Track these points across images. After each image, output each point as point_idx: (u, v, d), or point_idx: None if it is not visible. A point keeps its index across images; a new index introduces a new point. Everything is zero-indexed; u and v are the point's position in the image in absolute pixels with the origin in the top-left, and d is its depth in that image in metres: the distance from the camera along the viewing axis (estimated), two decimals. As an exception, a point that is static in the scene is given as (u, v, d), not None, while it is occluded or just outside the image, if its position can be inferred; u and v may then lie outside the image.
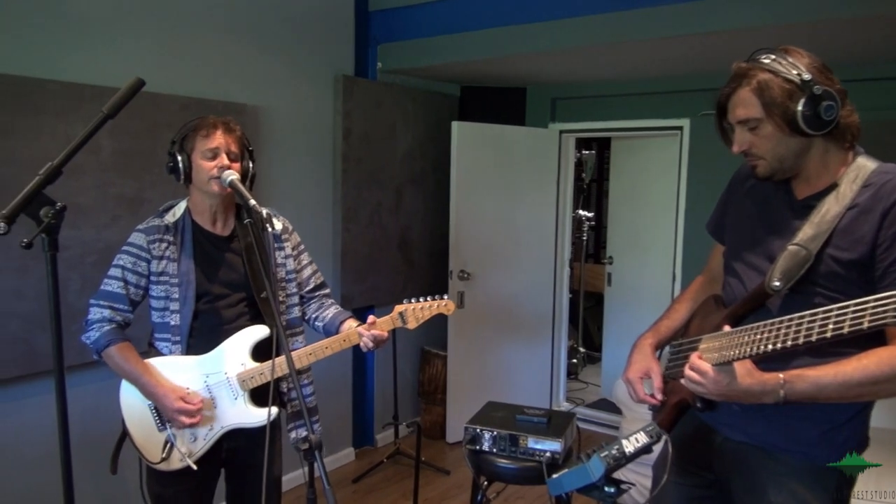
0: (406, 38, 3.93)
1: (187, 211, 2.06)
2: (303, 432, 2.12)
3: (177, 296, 1.99)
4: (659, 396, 1.68)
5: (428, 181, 4.43)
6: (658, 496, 1.63)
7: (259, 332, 2.03)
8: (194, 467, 1.98)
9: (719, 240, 1.80)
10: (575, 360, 5.80)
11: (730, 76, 1.49)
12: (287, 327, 2.14)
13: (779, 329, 1.36)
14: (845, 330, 1.24)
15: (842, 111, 1.41)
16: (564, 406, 4.99)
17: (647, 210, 5.01)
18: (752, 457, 1.56)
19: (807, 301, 1.43)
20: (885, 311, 1.19)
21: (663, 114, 4.23)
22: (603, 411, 4.87)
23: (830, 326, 1.27)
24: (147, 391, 1.96)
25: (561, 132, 4.68)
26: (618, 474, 1.46)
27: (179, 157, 1.97)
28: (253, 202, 1.78)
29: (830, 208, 1.43)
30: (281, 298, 2.12)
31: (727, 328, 1.50)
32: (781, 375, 1.38)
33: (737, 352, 1.43)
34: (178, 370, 2.00)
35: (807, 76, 1.39)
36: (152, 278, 2.00)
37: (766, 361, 1.41)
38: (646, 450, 1.43)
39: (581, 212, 5.97)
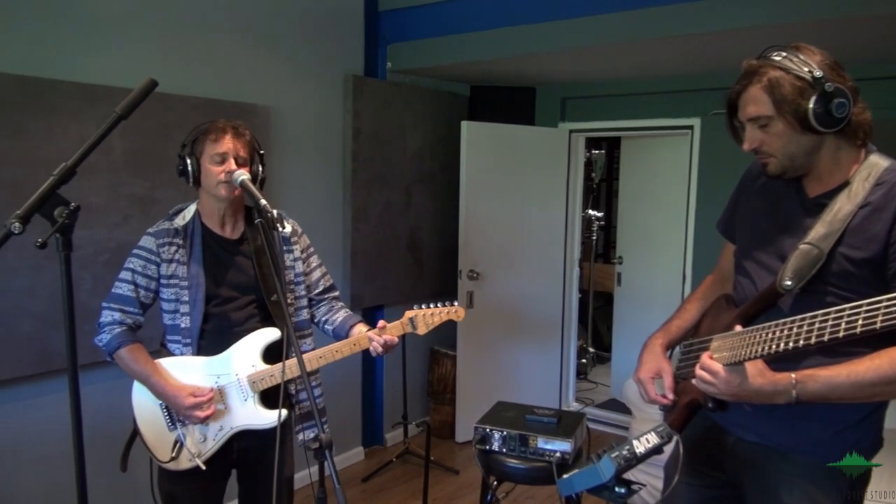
0: (416, 37, 3.94)
1: (197, 214, 2.07)
2: (310, 433, 2.14)
3: (186, 298, 2.01)
4: (670, 396, 1.67)
5: (437, 181, 4.43)
6: (670, 497, 1.62)
7: (270, 334, 2.04)
8: (203, 467, 2.00)
9: (730, 238, 1.79)
10: (584, 360, 5.79)
11: (740, 73, 1.48)
12: (296, 329, 2.14)
13: (790, 329, 1.35)
14: (857, 330, 1.24)
15: (854, 108, 1.40)
16: (574, 406, 4.98)
17: (657, 210, 4.99)
18: (765, 457, 1.55)
19: (819, 300, 1.42)
20: None
21: (674, 113, 4.21)
22: (613, 411, 4.86)
23: (843, 326, 1.26)
24: (157, 392, 1.97)
25: (571, 132, 4.67)
26: (628, 475, 1.45)
27: (189, 161, 1.99)
28: (264, 202, 1.79)
29: (843, 207, 1.42)
30: (290, 301, 2.12)
31: (738, 328, 1.49)
32: (793, 375, 1.37)
33: (748, 352, 1.42)
34: (188, 371, 2.01)
35: (818, 73, 1.38)
36: (162, 281, 2.01)
37: (777, 361, 1.40)
38: (656, 450, 1.43)
39: (591, 211, 5.95)
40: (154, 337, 2.10)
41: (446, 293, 4.28)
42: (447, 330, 4.25)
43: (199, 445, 2.02)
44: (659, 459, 1.57)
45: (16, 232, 1.20)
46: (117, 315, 2.00)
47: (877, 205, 1.39)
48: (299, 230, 2.20)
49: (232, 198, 2.00)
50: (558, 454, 2.21)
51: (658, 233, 4.95)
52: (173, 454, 2.00)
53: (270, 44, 3.42)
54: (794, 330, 1.34)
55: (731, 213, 1.77)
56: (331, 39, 3.75)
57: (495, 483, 2.37)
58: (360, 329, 2.11)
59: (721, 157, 3.82)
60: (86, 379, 1.72)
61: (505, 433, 2.29)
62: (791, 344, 1.34)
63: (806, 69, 1.39)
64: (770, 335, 1.39)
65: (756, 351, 1.40)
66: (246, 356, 2.02)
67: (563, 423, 2.34)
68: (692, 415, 1.65)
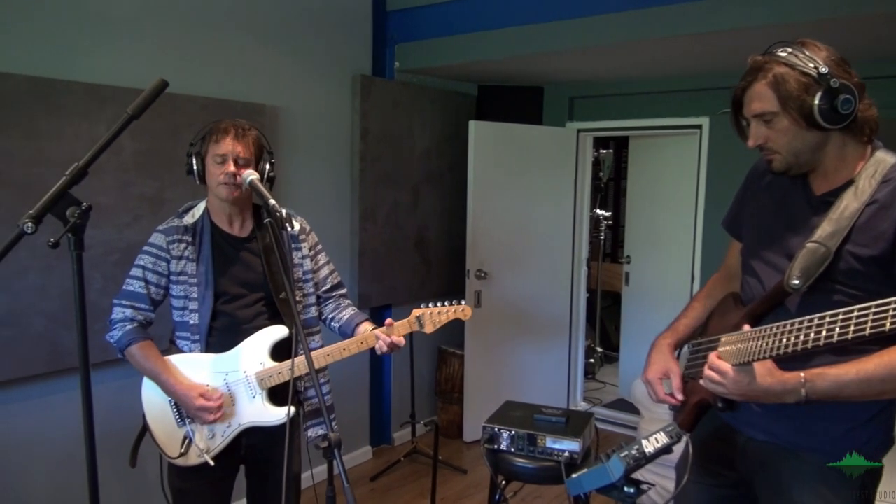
0: (423, 37, 3.94)
1: (206, 212, 2.09)
2: (319, 431, 2.15)
3: (195, 295, 2.02)
4: (679, 396, 1.67)
5: (445, 180, 4.43)
6: (681, 496, 1.62)
7: (278, 332, 2.05)
8: (211, 463, 2.01)
9: (735, 236, 1.78)
10: (592, 360, 5.78)
11: (746, 70, 1.48)
12: (304, 327, 2.15)
13: (799, 330, 1.35)
14: (867, 332, 1.23)
15: (860, 105, 1.40)
16: (582, 406, 4.97)
17: (665, 209, 4.98)
18: (776, 456, 1.54)
19: (826, 299, 1.42)
20: None
21: (682, 112, 4.20)
22: (620, 411, 4.85)
23: (852, 328, 1.25)
24: (167, 389, 1.99)
25: (578, 131, 4.66)
26: (637, 474, 1.45)
27: (194, 160, 2.02)
28: (272, 201, 1.80)
29: (849, 204, 1.41)
30: (298, 299, 2.13)
31: (746, 327, 1.48)
32: (802, 374, 1.37)
33: (757, 352, 1.42)
34: (198, 368, 2.03)
35: (824, 69, 1.37)
36: (172, 278, 2.03)
37: (785, 360, 1.40)
38: (666, 450, 1.43)
39: (598, 211, 5.94)
40: (163, 335, 2.12)
41: (454, 292, 4.28)
42: (455, 329, 4.26)
43: (208, 441, 2.03)
44: (668, 459, 1.57)
45: (28, 232, 1.21)
46: (128, 312, 2.02)
47: (884, 202, 1.39)
48: (307, 228, 2.21)
49: (232, 198, 2.01)
50: (567, 454, 2.21)
51: (666, 232, 4.94)
52: (182, 450, 2.01)
53: (279, 44, 3.43)
54: (803, 331, 1.34)
55: (736, 210, 1.77)
56: (339, 39, 3.76)
57: (503, 482, 2.37)
58: (366, 327, 2.11)
59: (730, 157, 3.80)
60: (96, 378, 1.73)
61: (513, 432, 2.29)
62: (800, 346, 1.34)
63: (811, 65, 1.38)
64: (779, 335, 1.38)
65: (765, 351, 1.40)
66: (254, 353, 2.03)
67: (572, 423, 2.34)
68: (702, 414, 1.64)
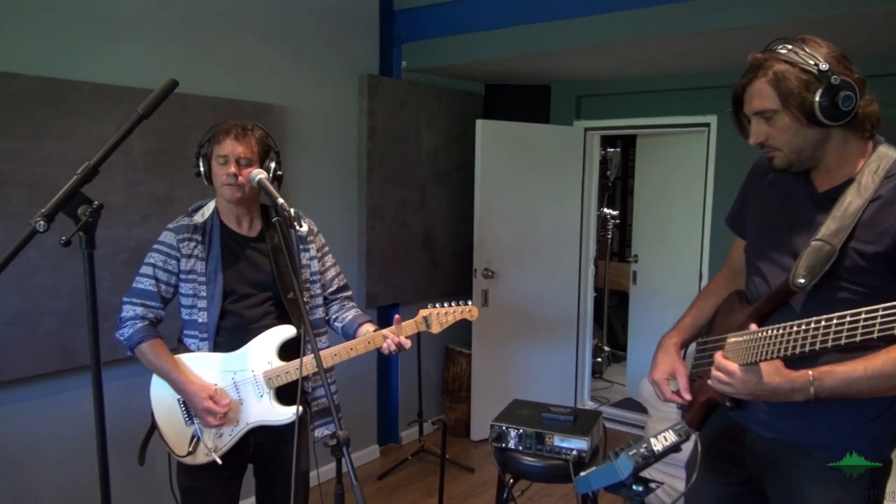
0: (430, 36, 3.94)
1: (216, 211, 2.10)
2: (325, 430, 2.16)
3: (204, 294, 2.03)
4: (687, 396, 1.67)
5: (452, 180, 4.43)
6: (690, 494, 1.61)
7: (286, 331, 2.06)
8: (219, 461, 2.02)
9: (739, 233, 1.78)
10: (600, 359, 5.77)
11: (746, 67, 1.47)
12: (311, 327, 2.16)
13: (806, 332, 1.34)
14: (875, 335, 1.23)
15: (861, 101, 1.39)
16: (589, 405, 4.96)
17: (672, 208, 4.96)
18: (784, 453, 1.54)
19: (831, 296, 1.41)
20: None
21: (690, 110, 4.18)
22: (628, 410, 4.84)
23: (860, 331, 1.25)
24: (177, 387, 2.00)
25: (586, 130, 4.65)
26: (645, 473, 1.45)
27: (201, 162, 2.03)
28: (281, 200, 1.80)
29: (853, 201, 1.41)
30: (305, 299, 2.14)
31: (753, 326, 1.48)
32: (811, 372, 1.37)
33: (764, 353, 1.41)
34: (206, 366, 2.04)
35: (824, 66, 1.36)
36: (181, 276, 2.04)
37: (792, 360, 1.40)
38: (674, 448, 1.42)
39: (606, 210, 5.93)
40: (171, 334, 2.13)
41: (461, 292, 4.28)
42: (462, 328, 4.25)
43: (216, 440, 2.04)
44: (676, 459, 1.57)
45: (41, 230, 1.22)
46: (139, 310, 2.03)
47: (887, 198, 1.38)
48: (315, 229, 2.22)
49: (236, 199, 2.02)
50: (575, 452, 2.21)
51: (674, 231, 4.93)
52: (190, 448, 2.02)
53: (286, 44, 3.44)
54: (811, 333, 1.33)
55: (739, 208, 1.76)
56: (346, 39, 3.76)
57: (511, 481, 2.37)
58: (368, 328, 2.12)
59: (738, 155, 3.76)
60: (105, 376, 1.72)
61: (521, 431, 2.29)
62: (808, 347, 1.33)
63: (812, 62, 1.38)
64: (786, 337, 1.38)
65: (772, 352, 1.40)
66: (262, 353, 2.04)
67: (580, 422, 2.34)
68: (710, 413, 1.64)
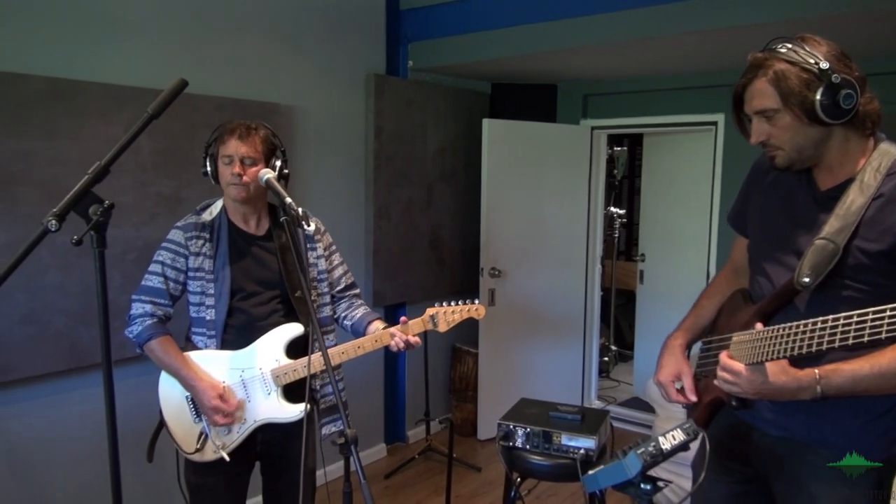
0: (437, 36, 3.95)
1: (223, 210, 2.11)
2: (333, 428, 2.17)
3: (212, 291, 2.04)
4: (692, 397, 1.67)
5: (459, 179, 4.44)
6: (697, 493, 1.61)
7: (294, 329, 2.07)
8: (227, 459, 2.03)
9: (740, 231, 1.78)
10: (606, 359, 5.76)
11: (746, 66, 1.47)
12: (319, 325, 2.17)
13: (812, 332, 1.34)
14: (882, 335, 1.23)
15: (861, 99, 1.39)
16: (596, 404, 4.96)
17: (679, 207, 4.95)
18: (791, 451, 1.54)
19: (836, 295, 1.41)
20: None
21: (697, 109, 4.17)
22: (635, 410, 4.83)
23: (867, 332, 1.25)
24: (187, 384, 2.01)
25: (592, 129, 4.65)
26: (652, 472, 1.45)
27: (207, 161, 2.05)
28: (289, 200, 1.81)
29: (855, 199, 1.41)
30: (312, 297, 2.15)
31: (759, 326, 1.47)
32: (817, 371, 1.36)
33: (770, 353, 1.41)
34: (215, 364, 2.05)
35: (824, 65, 1.36)
36: (190, 274, 2.05)
37: (798, 360, 1.39)
38: (683, 447, 1.42)
39: (612, 209, 5.92)
40: (179, 332, 2.14)
41: (468, 291, 4.28)
42: (469, 327, 4.27)
43: (224, 437, 2.05)
44: (683, 458, 1.56)
45: (52, 229, 1.23)
46: (148, 307, 2.04)
47: (890, 195, 1.38)
48: (322, 228, 2.23)
49: (241, 198, 2.02)
50: (582, 451, 2.21)
51: (681, 230, 4.91)
52: (198, 445, 2.04)
53: (293, 44, 3.45)
54: (817, 333, 1.33)
55: (740, 206, 1.76)
56: (353, 39, 3.77)
57: (518, 479, 2.37)
58: (377, 326, 2.13)
59: (746, 154, 3.71)
60: (114, 374, 1.74)
61: (528, 430, 2.29)
62: (814, 347, 1.33)
63: (812, 61, 1.37)
64: (792, 338, 1.37)
65: (778, 351, 1.39)
66: (270, 351, 2.05)
67: (588, 421, 2.34)
68: (716, 412, 1.64)
